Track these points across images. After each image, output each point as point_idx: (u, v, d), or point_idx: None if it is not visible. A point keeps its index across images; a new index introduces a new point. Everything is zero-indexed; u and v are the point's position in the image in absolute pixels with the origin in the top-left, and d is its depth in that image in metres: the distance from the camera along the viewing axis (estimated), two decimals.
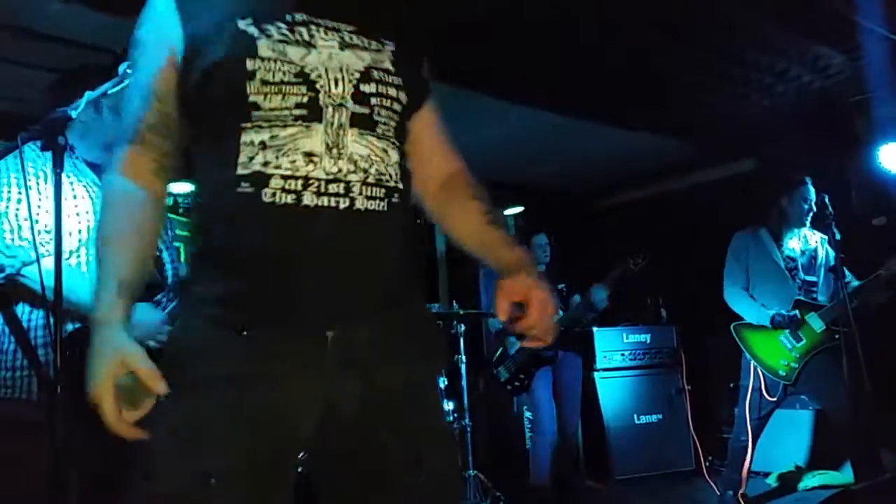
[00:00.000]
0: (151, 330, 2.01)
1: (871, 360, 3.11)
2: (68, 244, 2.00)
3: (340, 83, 1.19)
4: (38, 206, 1.94)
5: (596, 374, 5.08)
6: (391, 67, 1.26)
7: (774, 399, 3.64)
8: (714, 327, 4.16)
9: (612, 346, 5.20)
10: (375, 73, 1.23)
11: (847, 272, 3.67)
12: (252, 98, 1.14)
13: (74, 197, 2.04)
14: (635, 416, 5.09)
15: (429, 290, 6.22)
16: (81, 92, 1.73)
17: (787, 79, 4.02)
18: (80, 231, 2.02)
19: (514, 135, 4.88)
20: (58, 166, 1.57)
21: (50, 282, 1.54)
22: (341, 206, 1.14)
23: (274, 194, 1.11)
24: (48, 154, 1.62)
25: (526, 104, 4.20)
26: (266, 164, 1.13)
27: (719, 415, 5.08)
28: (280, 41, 1.18)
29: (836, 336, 3.44)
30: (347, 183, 1.16)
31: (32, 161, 1.96)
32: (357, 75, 1.21)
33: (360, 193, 1.17)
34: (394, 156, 1.25)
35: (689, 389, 5.15)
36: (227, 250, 1.15)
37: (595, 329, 5.16)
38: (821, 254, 3.80)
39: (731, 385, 4.30)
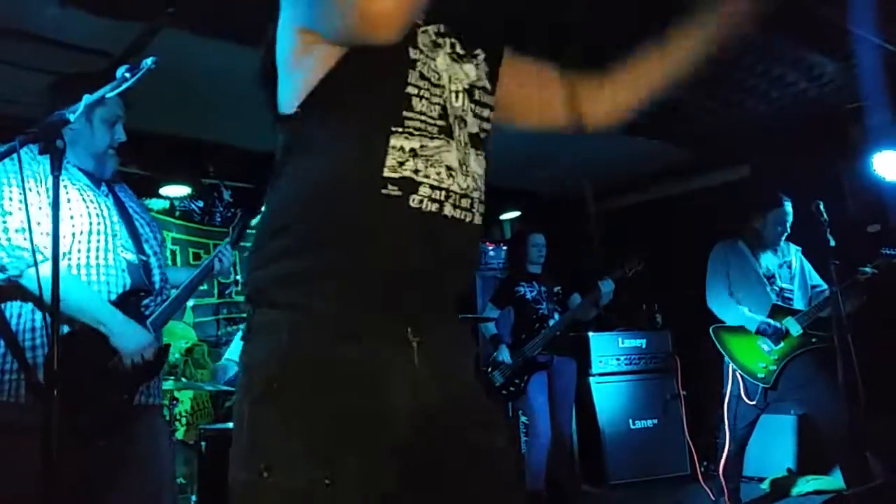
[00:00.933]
0: (141, 347, 2.03)
1: (862, 369, 3.14)
2: (61, 247, 2.00)
3: (459, 97, 1.21)
4: (39, 209, 1.95)
5: (591, 378, 5.10)
6: (488, 85, 1.27)
7: (754, 403, 3.70)
8: (709, 333, 4.18)
9: (608, 351, 5.22)
10: (477, 92, 1.25)
11: (817, 278, 3.79)
12: (409, 90, 1.13)
13: (69, 200, 2.04)
14: (631, 421, 5.10)
15: None
16: (79, 95, 1.75)
17: (782, 85, 4.04)
18: (73, 234, 2.03)
19: (511, 139, 4.89)
20: (56, 169, 1.58)
21: (47, 285, 1.55)
22: (466, 219, 1.19)
23: (422, 201, 1.12)
24: (43, 158, 1.63)
25: None
26: (416, 171, 1.12)
27: (714, 420, 5.08)
28: (425, 33, 1.17)
29: (814, 340, 3.60)
30: (472, 199, 1.20)
31: (27, 164, 1.96)
32: (466, 91, 1.22)
33: (477, 210, 1.22)
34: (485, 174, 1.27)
35: (684, 395, 5.16)
36: (364, 252, 1.11)
37: (591, 334, 5.17)
38: (795, 264, 3.92)
39: (723, 391, 4.33)
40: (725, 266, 3.91)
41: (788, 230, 3.79)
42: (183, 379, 4.24)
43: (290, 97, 1.17)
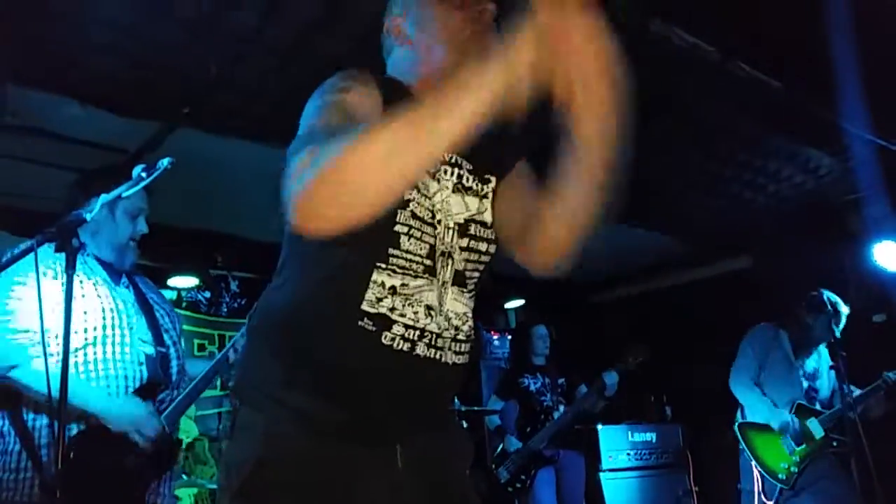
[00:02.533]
0: (138, 422, 2.00)
1: (878, 471, 3.07)
2: (77, 341, 2.01)
3: (450, 231, 1.22)
4: (49, 308, 1.97)
5: (602, 474, 4.95)
6: (488, 219, 1.27)
7: (771, 502, 3.59)
8: (720, 426, 4.10)
9: (618, 446, 5.09)
10: (472, 227, 1.25)
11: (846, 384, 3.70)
12: (397, 228, 1.15)
13: (83, 296, 2.06)
14: None
15: None
16: (98, 192, 1.80)
17: (779, 179, 4.14)
18: (85, 330, 2.04)
19: None
20: (70, 267, 1.61)
21: (55, 383, 1.55)
22: (441, 359, 1.20)
23: (394, 339, 1.15)
24: (61, 255, 1.67)
25: None
26: (392, 309, 1.15)
27: None
28: (430, 172, 1.19)
29: (835, 443, 3.49)
30: (445, 339, 1.21)
31: (44, 260, 2.00)
32: (458, 226, 1.23)
33: (451, 349, 1.22)
34: (471, 310, 1.28)
35: (696, 490, 5.01)
36: (333, 374, 1.15)
37: (600, 427, 5.07)
38: (824, 365, 3.82)
39: (739, 486, 4.20)
40: (763, 351, 3.77)
41: (835, 337, 3.59)
42: (184, 476, 4.14)
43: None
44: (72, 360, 1.97)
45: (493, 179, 1.29)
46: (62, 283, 1.97)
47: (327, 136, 1.03)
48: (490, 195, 1.28)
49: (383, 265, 1.15)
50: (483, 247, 1.26)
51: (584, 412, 4.53)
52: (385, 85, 1.22)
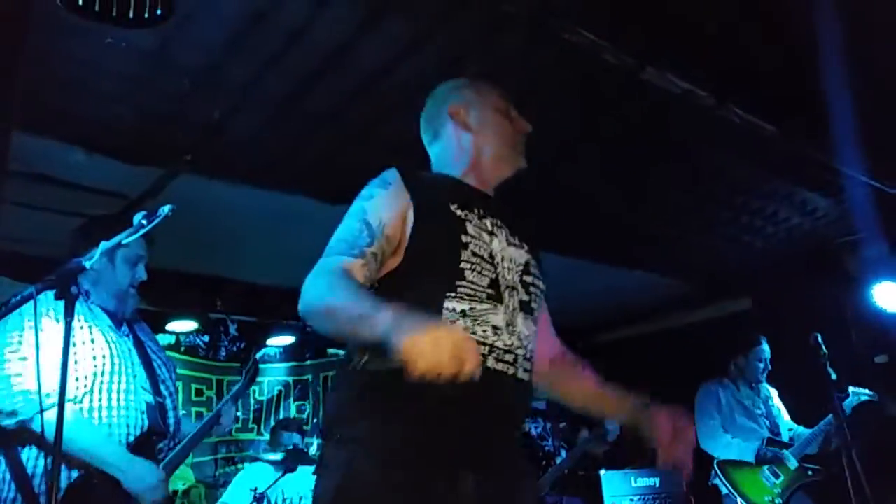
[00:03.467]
0: (152, 487, 2.00)
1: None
2: (83, 387, 2.01)
3: (511, 271, 1.51)
4: (53, 354, 1.97)
5: None
6: (537, 265, 1.60)
7: None
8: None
9: (621, 491, 4.99)
10: (531, 268, 1.56)
11: (790, 422, 4.03)
12: (462, 265, 1.42)
13: (93, 341, 2.07)
14: None
15: None
16: (98, 239, 1.82)
17: (776, 221, 4.16)
18: (94, 374, 2.04)
19: None
20: (69, 315, 1.61)
21: (53, 429, 1.54)
22: (509, 372, 1.41)
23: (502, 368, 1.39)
24: (60, 302, 1.67)
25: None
26: (465, 328, 1.37)
27: None
28: (477, 226, 1.50)
29: (810, 472, 3.74)
30: (515, 355, 1.43)
31: (47, 306, 2.01)
32: (521, 267, 1.54)
33: (521, 365, 1.44)
34: (536, 335, 1.54)
35: None
36: (416, 395, 1.23)
37: (602, 472, 4.99)
38: (773, 403, 4.15)
39: None
40: (715, 403, 4.06)
41: (769, 366, 4.05)
42: None
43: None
44: (77, 406, 1.96)
45: (527, 246, 1.61)
46: (62, 331, 1.98)
47: (335, 255, 1.43)
48: (530, 255, 1.59)
49: (453, 294, 1.39)
50: (540, 284, 1.58)
51: (586, 457, 4.48)
52: (418, 182, 1.52)
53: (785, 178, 3.63)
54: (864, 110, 2.82)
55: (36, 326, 1.64)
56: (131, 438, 2.05)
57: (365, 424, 1.34)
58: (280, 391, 5.45)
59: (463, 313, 1.38)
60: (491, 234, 1.51)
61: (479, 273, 1.43)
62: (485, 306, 1.41)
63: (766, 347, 4.10)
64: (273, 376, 5.44)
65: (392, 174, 1.52)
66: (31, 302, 1.64)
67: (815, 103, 2.77)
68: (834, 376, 3.42)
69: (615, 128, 3.04)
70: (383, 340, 1.18)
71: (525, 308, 1.48)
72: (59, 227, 2.95)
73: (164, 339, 4.82)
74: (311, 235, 4.25)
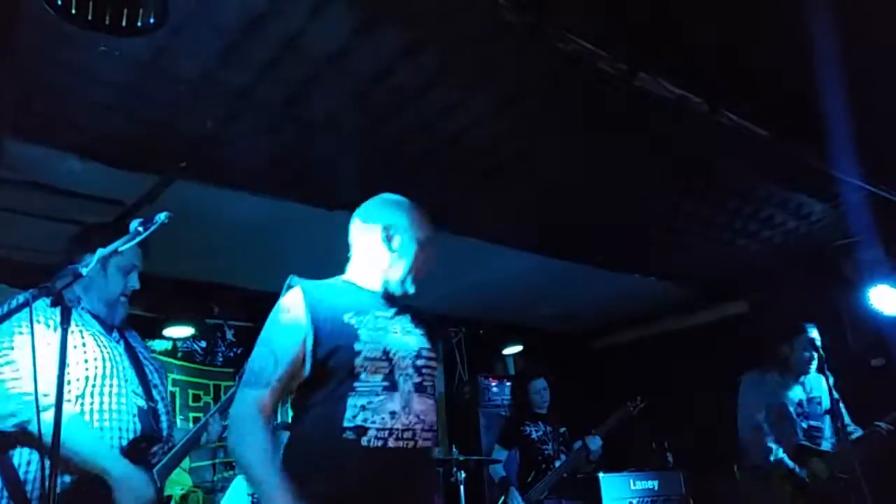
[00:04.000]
0: (146, 496, 2.00)
1: None
2: (74, 390, 2.01)
3: (405, 359, 1.81)
4: (48, 359, 1.97)
5: None
6: (429, 345, 1.90)
7: None
8: (722, 472, 4.05)
9: (620, 494, 5.00)
10: (423, 352, 1.86)
11: (847, 417, 3.65)
12: (356, 370, 1.73)
13: (84, 345, 2.07)
14: None
15: None
16: (94, 246, 1.82)
17: (772, 225, 4.17)
18: (86, 378, 2.04)
19: (513, 277, 4.99)
20: (65, 322, 1.62)
21: (51, 432, 1.55)
22: (409, 446, 1.73)
23: (369, 440, 1.69)
24: (56, 308, 1.68)
25: (523, 248, 4.33)
26: (365, 420, 1.70)
27: None
28: (372, 328, 1.81)
29: (841, 484, 3.41)
30: (413, 430, 1.76)
31: (42, 311, 2.01)
32: (414, 353, 1.84)
33: (420, 437, 1.77)
34: (433, 407, 1.85)
35: None
36: (331, 476, 1.67)
37: (602, 475, 4.99)
38: (825, 399, 3.76)
39: None
40: (758, 397, 3.74)
41: (820, 354, 3.61)
42: None
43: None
44: (70, 408, 1.96)
45: (422, 330, 1.94)
46: (59, 337, 1.98)
47: (250, 388, 1.77)
48: (425, 337, 1.92)
49: (353, 392, 1.73)
50: (433, 364, 1.89)
51: (576, 470, 4.49)
52: (318, 300, 1.84)
53: (780, 182, 3.65)
54: (859, 114, 2.84)
55: (32, 332, 1.64)
56: (124, 442, 2.05)
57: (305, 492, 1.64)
58: None
59: (363, 407, 1.71)
60: (385, 330, 1.84)
61: (374, 372, 1.75)
62: (381, 398, 1.74)
63: (813, 335, 3.66)
64: None
65: (295, 297, 1.84)
66: (25, 309, 1.64)
67: (809, 108, 2.79)
68: (831, 379, 3.43)
69: (610, 134, 3.05)
70: None
71: (419, 388, 1.81)
72: (56, 234, 2.96)
73: (160, 345, 4.82)
74: (307, 241, 4.30)
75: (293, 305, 1.82)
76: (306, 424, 1.77)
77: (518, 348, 6.42)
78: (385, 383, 1.74)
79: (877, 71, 2.77)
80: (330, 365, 1.74)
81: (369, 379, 1.73)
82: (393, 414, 1.73)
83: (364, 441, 1.67)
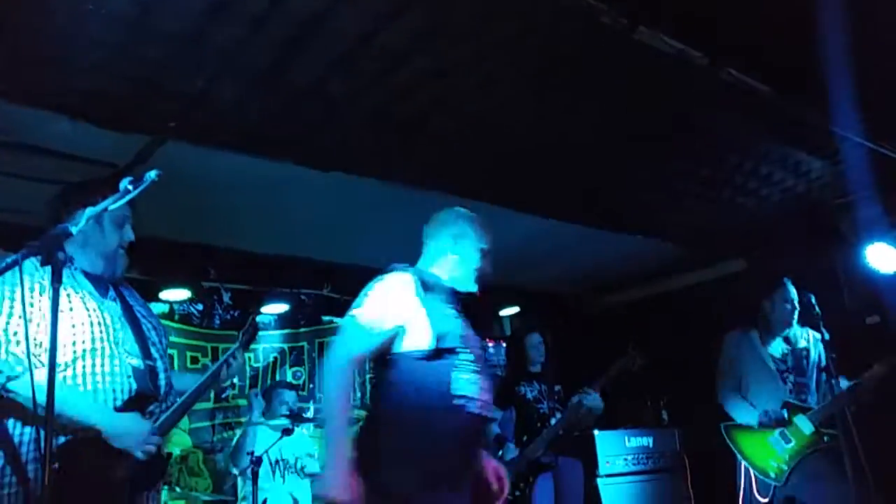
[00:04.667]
0: (140, 439, 2.00)
1: (869, 461, 3.08)
2: (63, 356, 2.00)
3: (476, 347, 2.28)
4: (36, 321, 1.95)
5: (599, 479, 4.94)
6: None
7: (767, 500, 3.59)
8: (717, 430, 4.08)
9: (615, 451, 5.08)
10: (481, 342, 2.33)
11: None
12: (458, 350, 2.19)
13: (71, 309, 2.05)
14: None
15: None
16: (80, 205, 1.79)
17: (771, 182, 4.13)
18: (73, 343, 2.03)
19: (510, 238, 4.97)
20: (56, 281, 1.60)
21: (42, 396, 1.54)
22: (486, 415, 2.22)
23: (470, 408, 2.15)
24: (47, 267, 1.66)
25: (521, 210, 4.30)
26: (467, 392, 2.15)
27: None
28: (456, 317, 2.31)
29: (826, 438, 3.48)
30: (488, 403, 2.23)
31: (31, 273, 1.99)
32: (479, 342, 2.32)
33: (489, 409, 2.25)
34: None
35: (692, 494, 5.00)
36: (441, 434, 2.10)
37: (596, 432, 5.06)
38: (813, 353, 3.82)
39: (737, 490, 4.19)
40: (736, 360, 3.83)
41: (798, 307, 3.71)
42: (177, 488, 4.11)
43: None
44: (61, 374, 1.96)
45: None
46: (49, 297, 1.96)
47: (349, 345, 2.18)
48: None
49: (455, 368, 2.17)
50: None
51: (574, 427, 4.52)
52: (426, 285, 2.26)
53: (780, 139, 3.61)
54: (861, 70, 2.79)
55: (22, 293, 1.62)
56: (118, 403, 2.05)
57: (410, 455, 2.08)
58: (276, 358, 5.47)
59: (465, 381, 2.15)
60: (459, 320, 2.29)
61: (467, 352, 2.20)
62: (473, 376, 2.19)
63: (791, 288, 3.78)
64: (268, 343, 5.46)
65: (405, 279, 2.25)
66: (15, 269, 1.62)
67: (810, 63, 2.74)
68: (827, 336, 3.44)
69: (608, 89, 3.00)
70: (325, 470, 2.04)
71: (484, 371, 2.25)
72: (46, 195, 2.92)
73: (157, 308, 4.82)
74: (304, 202, 4.27)
75: (404, 286, 2.23)
76: (413, 391, 2.13)
77: (515, 310, 6.44)
78: (473, 365, 2.20)
79: (880, 26, 2.72)
80: (439, 344, 2.13)
81: (464, 359, 2.17)
82: (480, 389, 2.18)
83: (469, 408, 2.13)
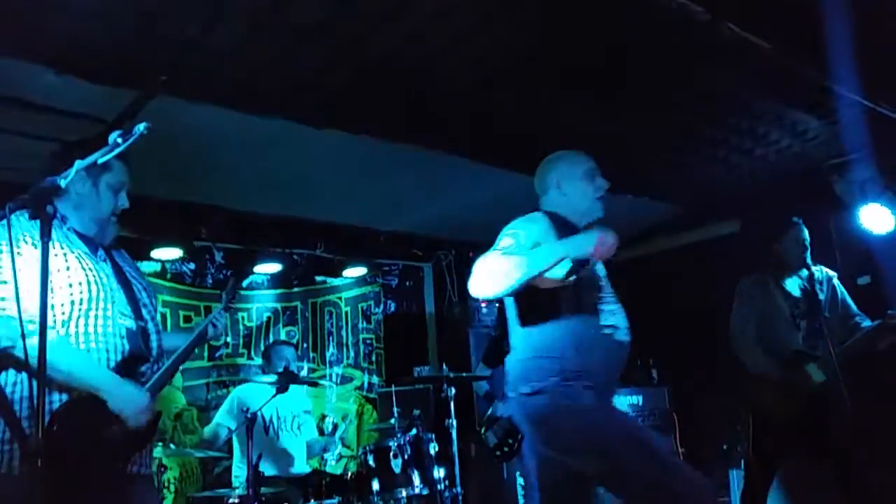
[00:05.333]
0: (136, 409, 2.00)
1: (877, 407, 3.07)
2: (60, 315, 1.99)
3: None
4: (31, 278, 1.93)
5: None
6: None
7: None
8: (706, 389, 4.13)
9: None
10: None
11: (854, 307, 3.68)
12: (601, 283, 2.49)
13: (68, 269, 2.03)
14: None
15: (418, 353, 6.17)
16: (74, 160, 1.75)
17: (767, 142, 4.11)
18: (72, 303, 2.01)
19: (501, 198, 4.94)
20: (45, 235, 1.57)
21: (36, 354, 1.52)
22: (626, 340, 2.45)
23: (617, 333, 2.39)
24: (36, 223, 1.62)
25: (510, 168, 4.26)
26: (614, 321, 2.39)
27: (713, 479, 4.98)
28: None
29: (836, 387, 3.35)
30: (619, 328, 2.45)
31: (25, 229, 1.96)
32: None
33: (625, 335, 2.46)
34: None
35: (682, 452, 5.07)
36: (590, 353, 2.32)
37: None
38: (826, 291, 3.72)
39: (725, 447, 4.23)
40: (751, 306, 3.71)
41: (808, 250, 3.63)
42: (171, 446, 4.14)
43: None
44: (55, 334, 1.94)
45: None
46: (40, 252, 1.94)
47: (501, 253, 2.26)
48: None
49: (600, 302, 2.42)
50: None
51: None
52: (555, 220, 2.43)
53: (777, 97, 3.58)
54: (860, 29, 2.75)
55: (11, 249, 1.59)
56: (112, 364, 2.04)
57: (564, 372, 2.30)
58: (269, 317, 5.47)
59: (612, 313, 2.40)
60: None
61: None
62: (613, 307, 2.44)
63: (803, 228, 3.66)
64: (261, 303, 5.45)
65: (543, 217, 2.45)
66: (4, 225, 1.59)
67: (809, 20, 2.70)
68: (821, 296, 3.44)
69: (607, 44, 2.96)
70: (569, 254, 2.16)
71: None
72: (34, 151, 2.87)
73: (149, 267, 4.79)
74: (297, 161, 4.21)
75: (541, 219, 2.41)
76: (568, 319, 2.33)
77: None
78: (612, 298, 2.47)
79: None
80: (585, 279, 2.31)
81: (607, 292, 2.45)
82: (615, 315, 2.41)
83: (616, 335, 2.38)
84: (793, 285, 3.73)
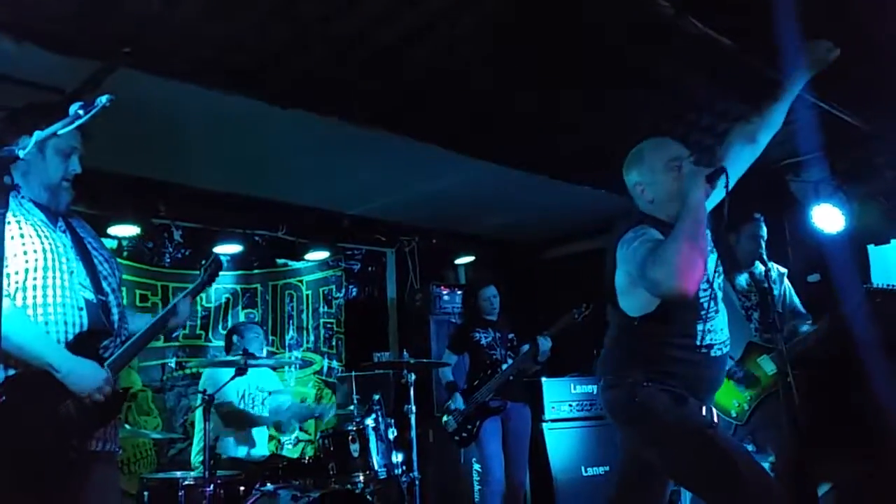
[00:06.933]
0: (94, 387, 1.97)
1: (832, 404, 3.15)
2: (13, 283, 1.95)
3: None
4: None
5: (544, 424, 5.09)
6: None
7: None
8: None
9: (561, 397, 5.23)
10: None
11: (800, 307, 3.78)
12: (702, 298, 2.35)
13: (22, 236, 1.99)
14: (583, 468, 5.09)
15: (378, 338, 6.18)
16: (29, 130, 1.72)
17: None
18: (26, 270, 1.97)
19: (467, 187, 4.97)
20: (2, 206, 1.54)
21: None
22: (720, 355, 2.43)
23: (713, 351, 2.38)
24: None
25: (478, 157, 4.29)
26: (711, 340, 2.36)
27: None
28: None
29: (789, 379, 3.47)
30: (718, 344, 2.43)
31: None
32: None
33: (725, 351, 2.46)
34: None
35: None
36: (686, 372, 2.34)
37: (543, 379, 5.19)
38: (778, 288, 3.78)
39: None
40: None
41: (763, 246, 3.64)
42: (126, 426, 4.08)
43: (631, 309, 2.41)
44: (9, 303, 1.90)
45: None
46: None
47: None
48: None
49: (700, 320, 2.34)
50: None
51: (521, 372, 4.64)
52: (656, 225, 2.36)
53: (736, 96, 3.65)
54: (815, 30, 2.82)
55: None
56: (70, 337, 2.01)
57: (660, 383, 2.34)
58: (228, 299, 5.41)
59: (708, 331, 2.34)
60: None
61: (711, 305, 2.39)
62: (711, 326, 2.37)
63: (762, 224, 3.68)
64: (221, 284, 5.38)
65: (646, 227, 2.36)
66: None
67: (767, 19, 2.75)
68: (776, 291, 3.54)
69: (569, 37, 2.99)
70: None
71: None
72: None
73: (106, 244, 4.68)
74: (262, 140, 4.17)
75: (649, 227, 2.35)
76: (654, 338, 2.36)
77: (470, 258, 6.49)
78: (715, 308, 2.42)
79: None
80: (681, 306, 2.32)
81: (709, 309, 2.38)
82: (720, 332, 2.42)
83: (711, 353, 2.38)
84: (742, 278, 3.79)
